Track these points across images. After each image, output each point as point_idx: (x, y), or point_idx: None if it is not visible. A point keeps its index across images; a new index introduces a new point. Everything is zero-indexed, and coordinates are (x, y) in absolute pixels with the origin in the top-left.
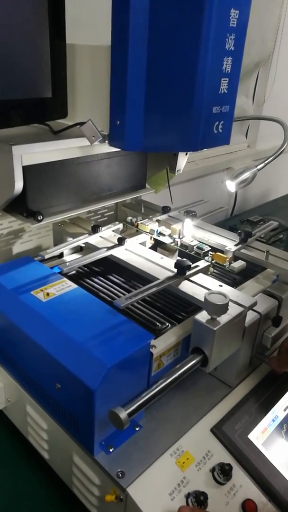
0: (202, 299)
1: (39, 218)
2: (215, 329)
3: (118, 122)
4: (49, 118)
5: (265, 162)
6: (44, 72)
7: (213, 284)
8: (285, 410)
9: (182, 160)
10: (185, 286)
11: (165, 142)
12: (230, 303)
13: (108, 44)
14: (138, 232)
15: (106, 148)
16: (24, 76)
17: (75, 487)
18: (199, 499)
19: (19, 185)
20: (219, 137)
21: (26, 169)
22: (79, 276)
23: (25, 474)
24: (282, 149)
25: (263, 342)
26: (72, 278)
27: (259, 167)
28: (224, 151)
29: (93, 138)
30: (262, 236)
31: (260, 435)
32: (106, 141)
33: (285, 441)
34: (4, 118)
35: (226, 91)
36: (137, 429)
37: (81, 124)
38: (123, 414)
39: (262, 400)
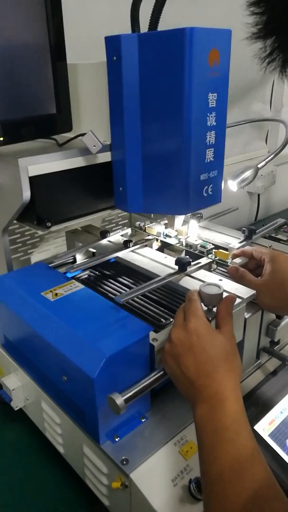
0: None
1: (48, 225)
2: (210, 319)
3: (121, 189)
4: (55, 133)
5: (266, 160)
6: (48, 91)
7: (214, 279)
8: None
9: (179, 220)
10: (186, 282)
11: (161, 206)
12: None
13: (104, 60)
14: (147, 236)
15: (109, 157)
16: (30, 97)
17: (88, 478)
18: (199, 485)
19: (27, 195)
20: (210, 198)
21: (33, 179)
22: (91, 280)
23: (45, 471)
24: (283, 146)
25: (269, 336)
26: (83, 281)
27: (259, 165)
28: (244, 158)
29: (94, 147)
30: (285, 239)
31: (267, 426)
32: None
33: None
34: (13, 134)
35: (212, 159)
36: (143, 420)
37: (83, 135)
38: (119, 400)
39: (271, 393)
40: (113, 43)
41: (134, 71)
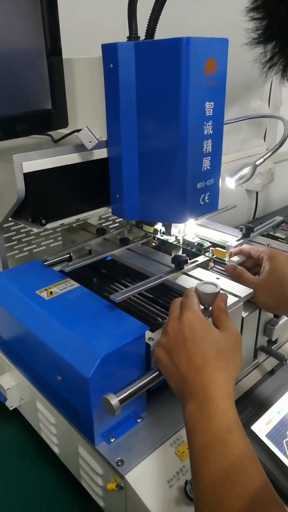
0: None
1: (43, 222)
2: (207, 317)
3: (118, 196)
4: (50, 129)
5: (264, 157)
6: (43, 86)
7: (211, 277)
8: None
9: (176, 228)
10: (183, 280)
11: (158, 214)
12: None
13: (99, 55)
14: (145, 234)
15: (105, 153)
16: (25, 92)
17: (83, 479)
18: None
19: (21, 192)
20: (207, 206)
21: (27, 176)
22: (86, 278)
23: (40, 471)
24: (281, 144)
25: (267, 335)
26: (79, 279)
27: (257, 162)
28: (242, 156)
29: (90, 143)
30: (283, 237)
31: (264, 426)
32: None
33: None
34: (8, 130)
35: (209, 168)
36: (139, 420)
37: (79, 131)
38: (114, 400)
39: (268, 393)
40: (109, 51)
41: (130, 79)
